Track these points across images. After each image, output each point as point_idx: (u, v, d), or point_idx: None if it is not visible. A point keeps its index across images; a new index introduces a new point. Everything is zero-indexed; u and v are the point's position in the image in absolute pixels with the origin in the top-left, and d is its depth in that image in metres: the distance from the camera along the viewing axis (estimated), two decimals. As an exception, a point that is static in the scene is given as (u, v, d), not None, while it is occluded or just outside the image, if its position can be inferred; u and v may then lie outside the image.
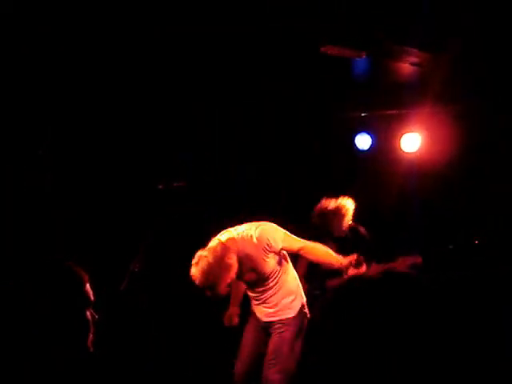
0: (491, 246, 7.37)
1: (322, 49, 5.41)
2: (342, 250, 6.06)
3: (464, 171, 7.89)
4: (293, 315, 5.01)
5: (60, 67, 5.74)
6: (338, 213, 6.40)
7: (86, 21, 5.01)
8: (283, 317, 5.00)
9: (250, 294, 5.10)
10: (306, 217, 6.68)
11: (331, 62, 6.16)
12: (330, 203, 6.41)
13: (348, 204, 6.45)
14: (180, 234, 7.14)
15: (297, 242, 4.91)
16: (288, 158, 8.25)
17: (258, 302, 5.07)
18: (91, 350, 2.60)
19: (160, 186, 7.05)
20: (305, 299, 5.14)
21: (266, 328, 5.07)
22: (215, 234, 4.79)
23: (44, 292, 2.55)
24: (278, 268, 4.94)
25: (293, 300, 5.04)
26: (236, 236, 4.77)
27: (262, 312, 5.08)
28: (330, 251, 5.01)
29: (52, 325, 2.49)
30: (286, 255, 5.05)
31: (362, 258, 4.90)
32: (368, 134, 8.31)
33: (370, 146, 8.32)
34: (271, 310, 5.03)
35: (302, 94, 7.24)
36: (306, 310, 5.11)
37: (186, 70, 6.25)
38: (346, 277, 4.83)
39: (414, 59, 6.08)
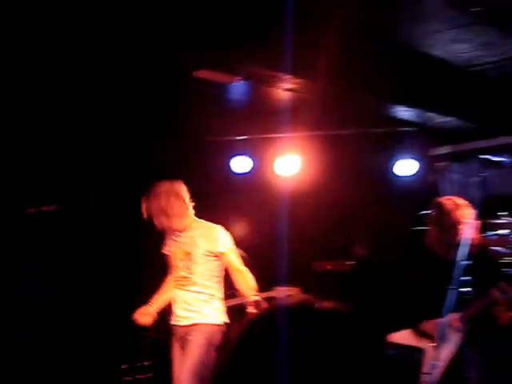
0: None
1: (195, 73, 5.34)
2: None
3: (336, 196, 8.05)
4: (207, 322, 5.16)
5: None
6: None
7: None
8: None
9: None
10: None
11: (208, 85, 6.12)
12: None
13: None
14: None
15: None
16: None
17: None
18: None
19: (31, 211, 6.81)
20: None
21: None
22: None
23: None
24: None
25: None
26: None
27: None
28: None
29: None
30: None
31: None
32: (245, 156, 8.31)
33: (250, 169, 8.32)
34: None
35: (177, 118, 7.16)
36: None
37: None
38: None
39: (288, 85, 6.11)
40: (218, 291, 5.29)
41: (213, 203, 7.46)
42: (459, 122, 7.68)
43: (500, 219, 7.55)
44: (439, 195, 7.86)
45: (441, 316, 3.47)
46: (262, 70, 5.58)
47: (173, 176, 7.96)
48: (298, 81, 6.03)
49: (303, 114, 7.31)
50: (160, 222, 5.20)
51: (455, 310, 4.37)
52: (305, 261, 8.06)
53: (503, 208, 7.77)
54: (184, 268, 5.22)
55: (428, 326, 4.67)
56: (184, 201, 5.25)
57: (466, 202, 5.00)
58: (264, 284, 5.83)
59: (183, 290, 5.23)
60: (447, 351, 4.63)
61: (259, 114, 7.60)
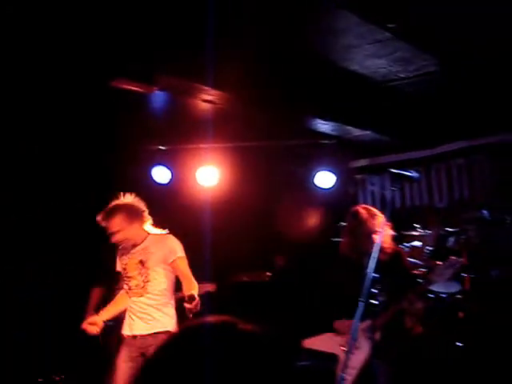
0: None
1: (113, 83, 5.27)
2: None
3: (255, 207, 8.09)
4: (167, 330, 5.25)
5: None
6: None
7: None
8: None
9: None
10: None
11: (127, 95, 6.05)
12: None
13: None
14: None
15: None
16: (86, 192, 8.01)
17: None
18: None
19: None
20: None
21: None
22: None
23: None
24: None
25: None
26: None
27: None
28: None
29: None
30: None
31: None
32: (166, 167, 8.25)
33: (169, 180, 8.26)
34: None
35: (97, 128, 7.07)
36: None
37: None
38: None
39: (207, 97, 6.11)
40: (171, 298, 5.42)
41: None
42: (376, 135, 7.85)
43: (415, 231, 7.76)
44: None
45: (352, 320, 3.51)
46: (180, 81, 5.57)
47: (95, 186, 7.89)
48: (216, 92, 6.04)
49: (223, 125, 7.33)
50: (116, 239, 5.36)
51: (367, 318, 4.43)
52: (223, 271, 8.04)
53: (415, 221, 8.02)
54: (139, 277, 5.32)
55: (343, 325, 4.71)
56: (137, 216, 5.42)
57: (381, 213, 5.07)
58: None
59: (138, 298, 5.33)
60: (359, 358, 4.69)
61: (179, 125, 7.57)
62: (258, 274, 8.20)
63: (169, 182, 8.19)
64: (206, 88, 5.88)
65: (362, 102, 7.18)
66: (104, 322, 5.45)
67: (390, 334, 4.77)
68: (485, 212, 7.13)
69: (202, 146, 8.10)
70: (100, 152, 7.84)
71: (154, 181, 8.26)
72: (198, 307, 4.99)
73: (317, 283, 5.43)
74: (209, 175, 8.16)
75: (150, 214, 8.01)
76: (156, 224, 7.96)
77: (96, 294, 6.58)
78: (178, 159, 8.24)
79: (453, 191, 8.44)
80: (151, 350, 4.94)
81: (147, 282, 5.30)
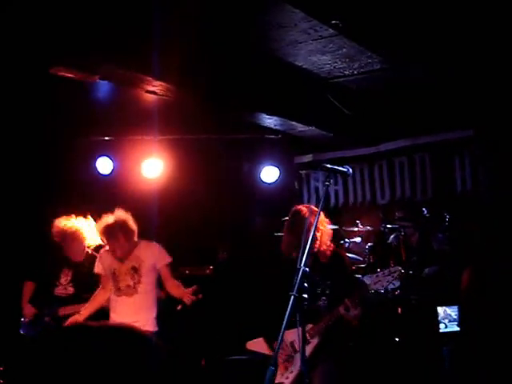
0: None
1: (52, 70, 5.17)
2: (77, 276, 5.97)
3: (199, 201, 8.06)
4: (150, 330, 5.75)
5: None
6: (76, 235, 6.28)
7: None
8: None
9: None
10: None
11: (69, 84, 5.95)
12: (69, 223, 6.27)
13: (85, 226, 6.32)
14: None
15: None
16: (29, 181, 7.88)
17: None
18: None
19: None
20: None
21: None
22: None
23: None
24: None
25: None
26: None
27: None
28: None
29: None
30: None
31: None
32: (110, 158, 8.16)
33: (112, 170, 8.18)
34: None
35: (39, 118, 6.93)
36: None
37: None
38: None
39: (150, 88, 6.05)
40: (155, 300, 5.94)
41: (77, 205, 7.29)
42: (320, 131, 7.90)
43: (357, 227, 7.84)
44: (301, 201, 8.08)
45: (294, 325, 3.47)
46: (123, 71, 5.49)
47: (37, 177, 7.75)
48: (160, 83, 5.98)
49: (168, 117, 7.28)
50: (116, 255, 5.88)
51: (308, 321, 4.43)
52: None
53: (356, 217, 8.11)
54: (131, 280, 5.81)
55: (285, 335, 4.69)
56: (129, 234, 5.88)
57: (322, 210, 5.07)
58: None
59: (128, 298, 5.78)
60: (298, 363, 4.68)
61: (123, 116, 7.49)
62: (200, 267, 8.17)
63: (111, 173, 8.10)
64: (150, 78, 5.81)
65: (307, 97, 7.21)
66: (85, 319, 5.76)
67: (333, 336, 4.78)
68: (424, 210, 7.24)
69: (146, 137, 8.03)
70: (42, 142, 7.70)
71: (98, 172, 8.17)
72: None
73: (257, 279, 5.43)
74: (153, 167, 8.10)
75: (93, 204, 7.96)
76: (99, 215, 7.92)
77: (28, 287, 6.52)
78: (122, 150, 8.16)
79: (395, 189, 8.55)
80: None
81: (138, 283, 5.80)
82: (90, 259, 6.35)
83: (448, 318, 6.46)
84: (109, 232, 5.84)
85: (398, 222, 7.18)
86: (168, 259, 6.01)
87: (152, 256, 5.94)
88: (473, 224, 7.03)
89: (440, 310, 6.48)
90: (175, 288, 5.98)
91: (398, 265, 5.95)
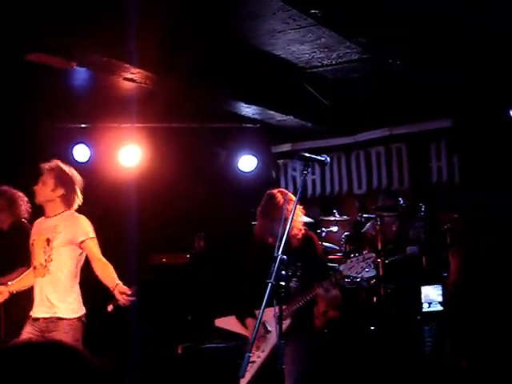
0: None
1: (28, 57, 5.13)
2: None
3: (177, 189, 8.07)
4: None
5: None
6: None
7: None
8: None
9: None
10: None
11: (46, 71, 5.91)
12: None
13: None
14: None
15: None
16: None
17: None
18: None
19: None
20: None
21: None
22: None
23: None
24: None
25: None
26: None
27: None
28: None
29: None
30: None
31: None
32: (87, 145, 8.12)
33: (89, 158, 8.13)
34: None
35: (16, 104, 6.87)
36: None
37: None
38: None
39: (128, 75, 6.03)
40: (75, 282, 5.15)
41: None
42: (298, 121, 7.93)
43: (333, 216, 7.89)
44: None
45: (267, 306, 3.52)
46: (100, 58, 5.47)
47: (12, 164, 7.68)
48: (138, 71, 5.98)
49: (146, 105, 7.26)
50: (39, 197, 5.25)
51: (279, 302, 4.46)
52: (143, 253, 8.00)
53: (333, 207, 8.17)
54: (43, 255, 5.08)
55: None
56: (67, 187, 5.21)
57: (297, 197, 5.08)
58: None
59: (41, 278, 5.09)
60: (269, 342, 4.75)
61: (101, 103, 7.45)
62: (177, 255, 8.19)
63: (88, 161, 8.05)
64: (128, 66, 5.80)
65: (285, 87, 7.23)
66: (10, 292, 5.27)
67: (301, 319, 4.83)
68: (401, 200, 7.31)
69: (124, 125, 8.00)
70: (18, 129, 7.64)
71: (75, 159, 8.12)
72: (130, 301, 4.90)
73: (233, 266, 5.45)
74: (130, 155, 8.08)
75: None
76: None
77: None
78: (100, 138, 8.13)
79: (371, 178, 8.61)
80: (54, 336, 4.80)
81: (50, 261, 5.07)
82: (16, 230, 5.99)
83: (430, 298, 6.55)
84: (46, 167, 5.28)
85: (376, 212, 7.23)
86: (90, 233, 5.13)
87: (71, 229, 5.10)
88: (447, 214, 7.10)
89: (423, 289, 6.56)
90: (101, 269, 5.06)
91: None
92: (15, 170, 7.90)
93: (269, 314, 4.17)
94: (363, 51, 6.55)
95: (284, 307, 4.72)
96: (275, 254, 3.51)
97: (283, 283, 3.46)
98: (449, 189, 7.88)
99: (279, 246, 3.54)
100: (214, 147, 8.47)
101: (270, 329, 4.75)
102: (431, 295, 6.53)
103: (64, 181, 5.22)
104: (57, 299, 5.02)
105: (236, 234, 8.05)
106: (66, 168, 5.33)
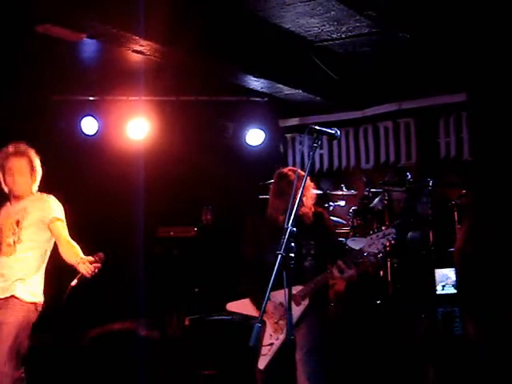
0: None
1: (39, 28, 5.11)
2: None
3: (185, 162, 8.08)
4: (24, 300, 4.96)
5: None
6: None
7: None
8: None
9: None
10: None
11: (56, 43, 5.89)
12: None
13: None
14: None
15: None
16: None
17: None
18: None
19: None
20: None
21: None
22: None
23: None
24: None
25: None
26: None
27: None
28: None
29: None
30: None
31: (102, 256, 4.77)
32: (95, 118, 8.11)
33: (97, 131, 8.13)
34: None
35: (22, 76, 6.86)
36: None
37: None
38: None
39: (137, 47, 6.01)
40: (42, 265, 5.10)
41: (61, 165, 7.27)
42: (306, 95, 7.91)
43: (341, 191, 7.89)
44: (286, 165, 8.10)
45: (281, 287, 3.49)
46: (110, 29, 5.45)
47: (19, 136, 7.67)
48: (147, 43, 5.95)
49: (154, 78, 7.25)
50: (7, 182, 5.10)
51: (296, 282, 4.43)
52: (150, 226, 8.04)
53: (341, 181, 8.18)
54: (12, 236, 5.00)
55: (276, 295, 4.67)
56: (36, 170, 5.12)
57: (308, 173, 5.04)
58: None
59: (7, 257, 4.99)
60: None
61: (109, 76, 7.44)
62: (184, 228, 8.21)
63: (95, 133, 8.06)
64: (137, 38, 5.78)
65: (294, 60, 7.19)
66: None
67: (318, 298, 4.82)
68: (408, 175, 7.30)
69: (132, 98, 7.99)
70: (26, 101, 7.63)
71: (83, 132, 8.13)
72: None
73: (241, 242, 5.41)
74: (138, 128, 8.08)
75: (79, 164, 7.94)
76: (84, 175, 7.90)
77: None
78: (108, 110, 8.12)
79: (379, 153, 8.60)
80: (2, 315, 4.71)
81: (19, 242, 5.00)
82: None
83: (445, 280, 6.57)
84: (19, 151, 5.10)
85: (384, 187, 7.23)
86: (59, 215, 5.06)
87: (40, 209, 5.06)
88: (455, 189, 7.10)
89: (438, 271, 6.58)
90: (67, 249, 4.96)
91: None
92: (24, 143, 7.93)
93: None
94: (373, 25, 6.50)
95: (302, 288, 4.73)
96: (285, 226, 3.51)
97: (292, 254, 3.45)
98: (457, 164, 7.86)
99: (289, 219, 3.53)
100: (222, 120, 8.45)
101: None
102: (445, 278, 6.55)
103: (35, 166, 5.12)
104: (19, 279, 4.94)
105: (243, 208, 8.07)
106: (32, 151, 5.19)
